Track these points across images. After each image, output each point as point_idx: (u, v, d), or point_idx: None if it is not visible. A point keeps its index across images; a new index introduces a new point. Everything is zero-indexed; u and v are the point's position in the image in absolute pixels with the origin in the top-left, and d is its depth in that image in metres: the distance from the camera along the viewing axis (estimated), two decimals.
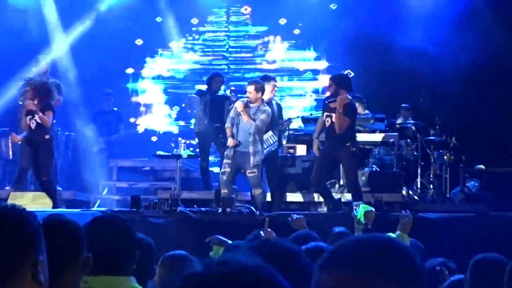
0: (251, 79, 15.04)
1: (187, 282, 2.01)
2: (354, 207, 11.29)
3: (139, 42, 20.16)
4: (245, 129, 13.47)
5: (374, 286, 2.09)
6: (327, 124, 13.04)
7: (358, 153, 13.61)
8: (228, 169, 13.59)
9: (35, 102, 13.24)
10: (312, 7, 18.79)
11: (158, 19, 19.53)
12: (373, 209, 9.87)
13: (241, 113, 13.43)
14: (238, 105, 13.66)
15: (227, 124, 13.73)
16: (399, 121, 16.09)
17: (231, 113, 13.71)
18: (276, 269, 2.25)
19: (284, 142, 15.39)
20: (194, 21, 20.31)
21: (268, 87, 14.18)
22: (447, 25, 16.36)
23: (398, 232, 8.33)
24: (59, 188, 14.83)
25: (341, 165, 13.62)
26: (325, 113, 13.17)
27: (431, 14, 16.71)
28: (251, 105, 13.61)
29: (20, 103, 13.93)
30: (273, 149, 14.05)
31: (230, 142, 13.43)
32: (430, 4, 16.89)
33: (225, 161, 13.79)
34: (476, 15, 17.01)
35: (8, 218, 2.77)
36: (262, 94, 13.80)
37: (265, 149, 13.80)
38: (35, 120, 13.16)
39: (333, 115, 12.81)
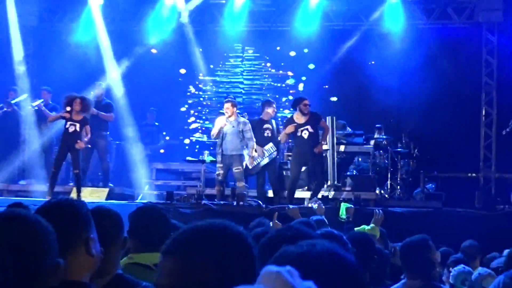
0: (227, 98, 14.68)
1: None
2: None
3: (183, 71, 19.95)
4: (233, 137, 13.49)
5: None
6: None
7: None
8: (221, 171, 13.65)
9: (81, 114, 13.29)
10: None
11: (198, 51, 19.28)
12: (352, 206, 9.96)
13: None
14: (220, 120, 13.78)
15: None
16: (375, 136, 16.13)
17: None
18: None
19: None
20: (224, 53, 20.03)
21: (270, 109, 14.26)
22: (413, 67, 16.43)
23: (372, 224, 8.38)
24: (111, 185, 14.95)
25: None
26: None
27: (401, 59, 16.80)
28: (230, 119, 13.58)
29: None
30: (272, 156, 13.93)
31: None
32: (401, 52, 17.00)
33: (217, 165, 13.83)
34: (433, 59, 17.12)
35: (64, 206, 2.98)
36: (237, 109, 13.86)
37: (267, 157, 13.87)
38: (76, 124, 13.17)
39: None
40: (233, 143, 13.50)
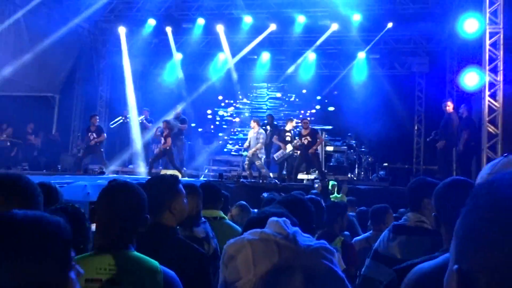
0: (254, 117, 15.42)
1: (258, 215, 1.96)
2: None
3: (220, 97, 19.98)
4: (254, 142, 13.50)
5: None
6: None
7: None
8: (247, 162, 13.67)
9: (167, 131, 13.54)
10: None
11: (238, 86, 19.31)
12: (336, 183, 9.89)
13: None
14: (250, 132, 13.97)
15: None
16: (347, 141, 16.04)
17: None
18: (294, 209, 2.35)
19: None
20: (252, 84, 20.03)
21: (291, 123, 14.17)
22: (372, 98, 16.32)
23: (340, 193, 8.33)
24: (185, 168, 14.91)
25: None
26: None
27: (365, 93, 16.76)
28: (254, 130, 13.69)
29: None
30: (290, 153, 13.57)
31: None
32: (364, 88, 16.94)
33: (246, 159, 13.94)
34: (385, 94, 17.07)
35: (156, 181, 2.97)
36: (259, 125, 13.85)
37: (286, 153, 13.68)
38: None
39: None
40: (254, 146, 13.53)
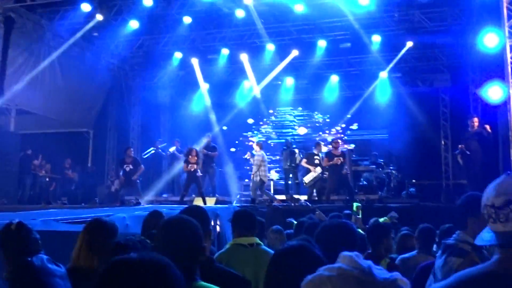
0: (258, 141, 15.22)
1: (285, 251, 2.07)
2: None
3: (250, 121, 20.25)
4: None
5: None
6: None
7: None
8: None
9: (195, 158, 13.67)
10: None
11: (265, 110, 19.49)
12: (360, 204, 9.56)
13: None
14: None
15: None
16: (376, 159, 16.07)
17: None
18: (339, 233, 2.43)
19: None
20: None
21: (320, 146, 14.14)
22: (396, 116, 16.40)
23: (385, 218, 7.87)
24: (217, 195, 14.76)
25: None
26: None
27: (389, 111, 16.81)
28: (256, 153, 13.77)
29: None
30: (320, 176, 13.44)
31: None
32: (389, 108, 17.00)
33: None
34: (409, 111, 17.12)
35: (197, 210, 3.01)
36: (261, 148, 13.88)
37: (316, 175, 13.67)
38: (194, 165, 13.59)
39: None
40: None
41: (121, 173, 14.57)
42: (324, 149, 14.92)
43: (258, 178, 13.57)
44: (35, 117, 16.18)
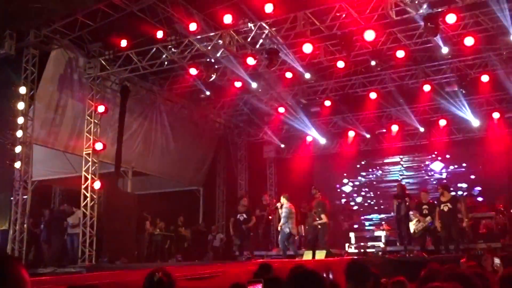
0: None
1: None
2: None
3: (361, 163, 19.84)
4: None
5: None
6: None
7: None
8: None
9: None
10: None
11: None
12: None
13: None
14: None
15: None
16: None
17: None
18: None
19: None
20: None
21: (426, 194, 13.36)
22: None
23: None
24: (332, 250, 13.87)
25: None
26: None
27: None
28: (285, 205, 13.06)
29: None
30: (429, 225, 12.66)
31: None
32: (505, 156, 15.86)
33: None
34: None
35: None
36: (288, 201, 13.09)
37: (425, 225, 12.92)
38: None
39: None
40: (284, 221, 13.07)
41: (230, 222, 14.17)
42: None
43: (287, 230, 13.04)
44: (150, 177, 16.94)
